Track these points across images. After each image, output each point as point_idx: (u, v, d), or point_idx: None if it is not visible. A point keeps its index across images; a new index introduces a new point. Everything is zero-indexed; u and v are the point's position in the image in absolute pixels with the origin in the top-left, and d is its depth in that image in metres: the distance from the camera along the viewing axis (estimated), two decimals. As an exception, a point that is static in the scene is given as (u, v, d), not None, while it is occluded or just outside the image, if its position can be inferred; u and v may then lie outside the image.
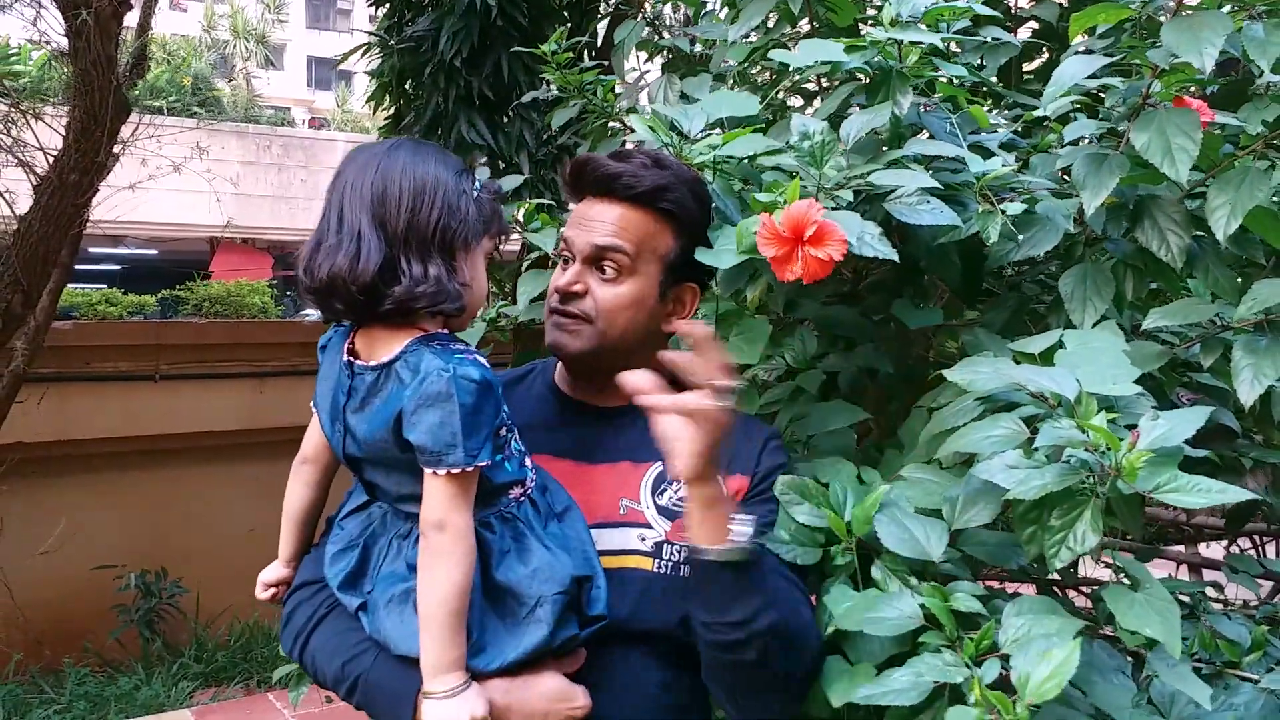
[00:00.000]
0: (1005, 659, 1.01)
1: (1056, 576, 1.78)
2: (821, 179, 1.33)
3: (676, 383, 1.10)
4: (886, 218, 1.36)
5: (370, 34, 5.01)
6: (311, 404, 1.22)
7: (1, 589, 4.89)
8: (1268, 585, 2.14)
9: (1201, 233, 1.38)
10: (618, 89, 2.27)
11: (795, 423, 1.52)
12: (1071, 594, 1.90)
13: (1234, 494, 0.94)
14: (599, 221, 1.25)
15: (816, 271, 1.20)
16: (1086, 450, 1.01)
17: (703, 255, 1.27)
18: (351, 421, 1.10)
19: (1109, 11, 1.38)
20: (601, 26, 4.70)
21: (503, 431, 1.12)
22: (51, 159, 3.78)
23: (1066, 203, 1.42)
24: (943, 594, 1.11)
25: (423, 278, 1.06)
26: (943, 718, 0.98)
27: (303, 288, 1.09)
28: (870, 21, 1.59)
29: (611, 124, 2.12)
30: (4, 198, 3.98)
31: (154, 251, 16.47)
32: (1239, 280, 1.45)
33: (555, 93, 2.16)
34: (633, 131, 1.62)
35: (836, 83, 1.66)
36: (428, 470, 1.05)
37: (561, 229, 1.50)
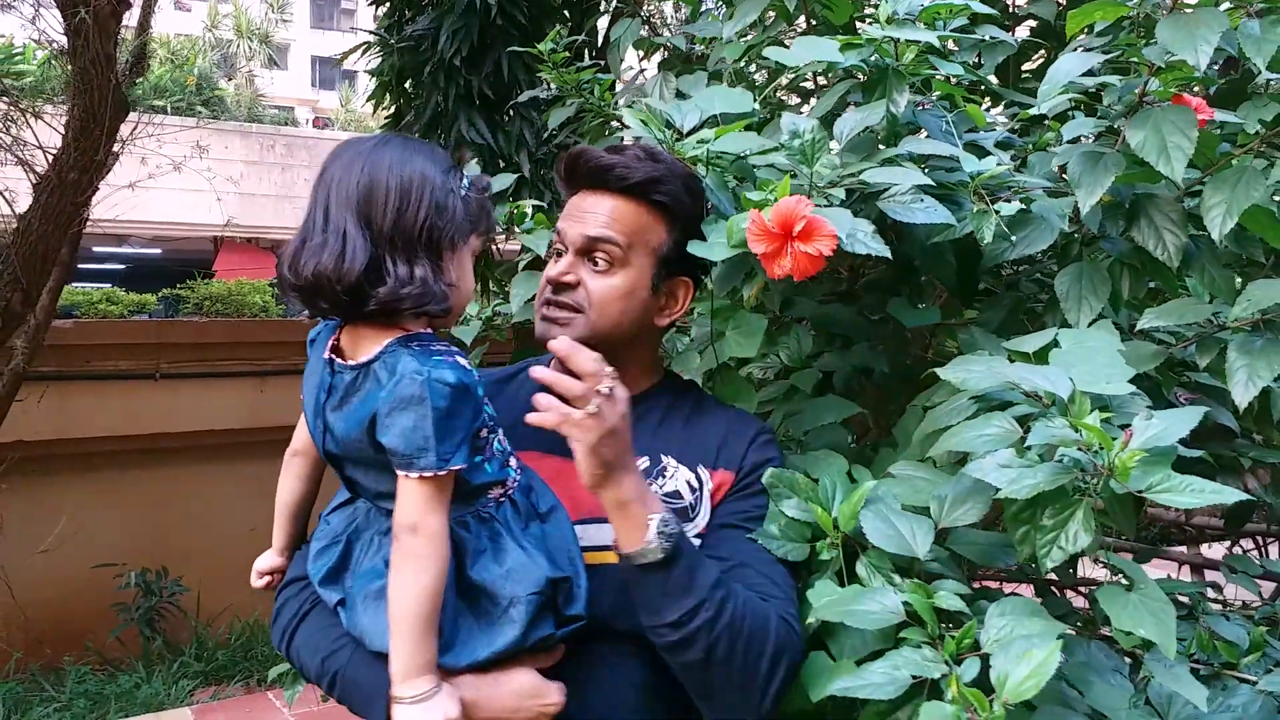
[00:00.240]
0: (987, 658, 1.01)
1: (1053, 576, 1.79)
2: (814, 177, 1.32)
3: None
4: (881, 217, 1.35)
5: (371, 33, 5.01)
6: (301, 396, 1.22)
7: (2, 587, 4.91)
8: (1270, 586, 2.13)
9: (1199, 232, 1.37)
10: (618, 87, 2.26)
11: (789, 419, 1.51)
12: (1069, 594, 1.90)
13: (1228, 494, 0.94)
14: (591, 213, 1.25)
15: (807, 268, 1.19)
16: (1079, 449, 1.01)
17: (695, 248, 1.27)
18: (331, 419, 1.10)
19: (1106, 9, 1.38)
20: (602, 25, 4.69)
21: (483, 433, 1.11)
22: (51, 158, 3.78)
23: (1062, 201, 1.41)
24: (926, 591, 1.11)
25: (408, 279, 1.05)
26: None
27: (287, 285, 1.08)
28: (869, 20, 1.58)
29: (611, 123, 2.11)
30: (4, 196, 3.98)
31: (158, 251, 16.49)
32: (1239, 279, 1.44)
33: (555, 91, 2.16)
34: (628, 128, 1.62)
35: (833, 81, 1.65)
36: (400, 473, 1.04)
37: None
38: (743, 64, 1.98)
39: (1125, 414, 1.10)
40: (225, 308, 7.61)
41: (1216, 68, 1.71)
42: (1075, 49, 1.64)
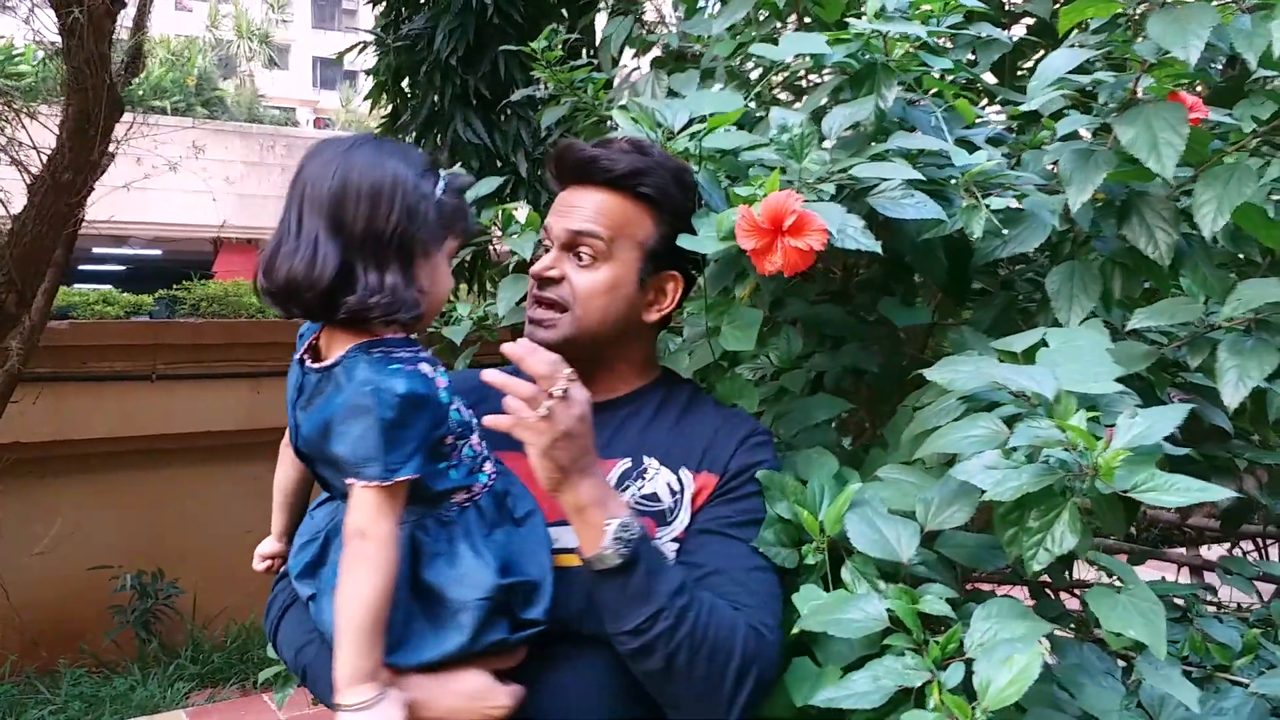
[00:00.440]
0: (971, 662, 0.99)
1: (1047, 579, 1.77)
2: (803, 172, 1.31)
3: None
4: (872, 214, 1.34)
5: (367, 33, 5.00)
6: None
7: (-3, 589, 4.89)
8: (1268, 589, 2.12)
9: (1192, 230, 1.36)
10: (616, 83, 2.25)
11: (779, 420, 1.50)
12: (1064, 596, 1.88)
13: (1213, 492, 0.92)
14: (576, 207, 1.24)
15: (797, 263, 1.18)
16: (1065, 450, 0.99)
17: (685, 241, 1.25)
18: (300, 418, 1.11)
19: (1099, 6, 1.36)
20: (600, 23, 4.67)
21: (448, 440, 1.10)
22: (46, 158, 3.77)
23: (1054, 199, 1.40)
24: (911, 596, 1.10)
25: (378, 287, 1.04)
26: (903, 722, 0.96)
27: (261, 289, 1.08)
28: (860, 16, 1.57)
29: (606, 122, 2.10)
30: (-1, 197, 3.97)
31: (158, 252, 16.49)
32: (1234, 278, 1.42)
33: (552, 90, 2.15)
34: (618, 127, 1.61)
35: (825, 77, 1.64)
36: (350, 480, 1.04)
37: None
38: (736, 62, 1.98)
39: (1113, 414, 1.08)
40: (222, 308, 7.60)
41: (1219, 67, 1.70)
42: (1072, 45, 1.62)
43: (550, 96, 2.19)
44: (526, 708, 1.13)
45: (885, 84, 1.43)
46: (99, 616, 5.40)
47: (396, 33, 4.66)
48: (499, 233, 1.85)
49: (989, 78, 2.08)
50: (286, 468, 1.31)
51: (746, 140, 1.40)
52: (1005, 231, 1.32)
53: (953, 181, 1.39)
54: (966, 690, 0.97)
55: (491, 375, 1.08)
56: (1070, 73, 1.41)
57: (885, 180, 1.34)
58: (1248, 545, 2.81)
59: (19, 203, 3.85)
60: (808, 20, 1.86)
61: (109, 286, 10.60)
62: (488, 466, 1.16)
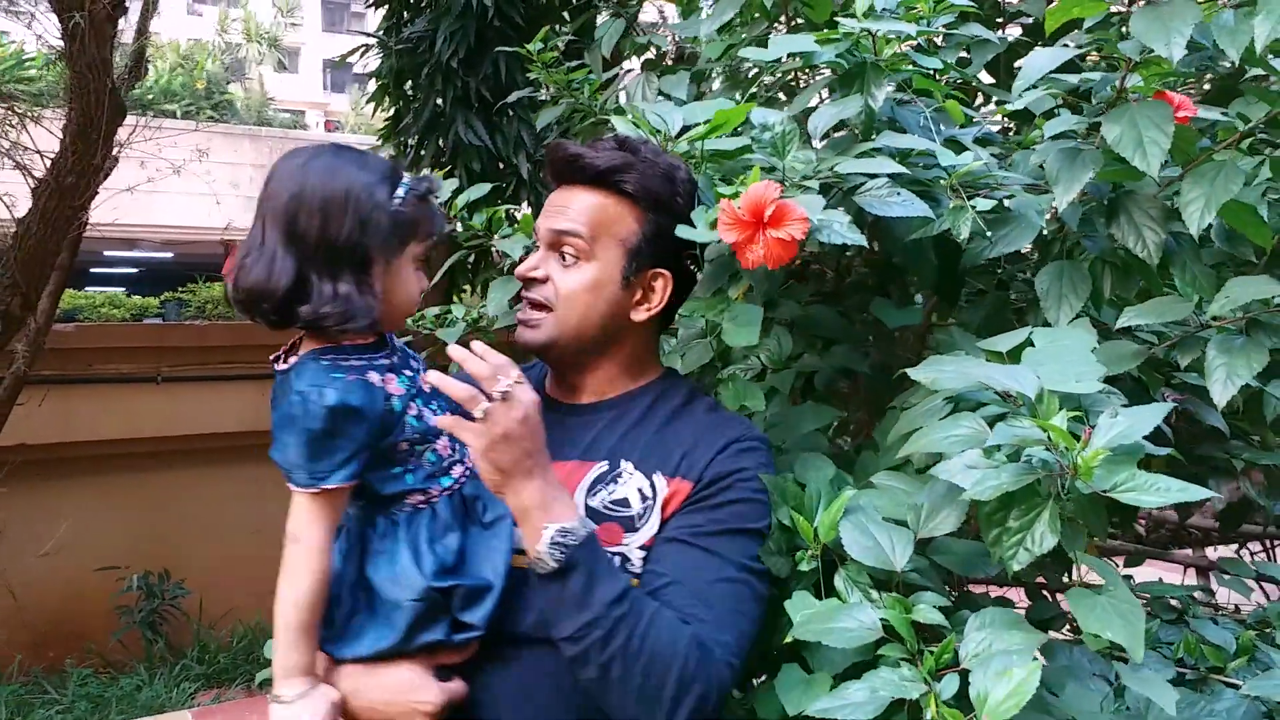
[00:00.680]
0: (967, 673, 0.98)
1: (1042, 580, 1.76)
2: (786, 170, 1.30)
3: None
4: (860, 214, 1.33)
5: (369, 35, 5.02)
6: None
7: (4, 590, 4.93)
8: (1272, 591, 2.10)
9: (1182, 229, 1.35)
10: (622, 83, 2.25)
11: (769, 429, 1.49)
12: (1060, 598, 1.87)
13: (1193, 492, 0.91)
14: (560, 207, 1.24)
15: (780, 255, 1.17)
16: (1046, 449, 0.99)
17: (683, 231, 1.23)
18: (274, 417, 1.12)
19: (1085, 5, 1.35)
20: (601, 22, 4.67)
21: (403, 446, 1.12)
22: (49, 162, 3.79)
23: (1042, 198, 1.39)
24: (904, 605, 1.09)
25: (331, 296, 1.06)
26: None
27: (230, 297, 1.11)
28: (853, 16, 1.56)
29: (606, 124, 2.10)
30: (3, 201, 4.00)
31: (169, 255, 16.55)
32: (1225, 277, 1.41)
33: (553, 91, 2.15)
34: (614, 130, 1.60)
35: (815, 77, 1.64)
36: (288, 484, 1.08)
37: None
38: (733, 64, 1.97)
39: (1099, 414, 1.08)
40: (228, 311, 7.63)
41: (1228, 66, 1.69)
42: (1065, 45, 1.62)
43: (552, 98, 2.20)
44: (484, 707, 1.14)
45: (875, 83, 1.42)
46: (105, 617, 5.43)
47: (398, 35, 4.67)
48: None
49: (986, 78, 2.07)
50: None
51: (743, 142, 1.39)
52: (989, 233, 1.31)
53: (941, 182, 1.39)
54: (962, 701, 0.96)
55: (432, 376, 1.08)
56: (1062, 72, 1.40)
57: (872, 179, 1.33)
58: (1255, 547, 2.80)
59: (24, 206, 3.88)
60: (799, 21, 1.86)
61: (121, 290, 10.65)
62: (456, 470, 1.17)
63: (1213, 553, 2.98)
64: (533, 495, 1.05)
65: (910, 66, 1.48)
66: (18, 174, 3.94)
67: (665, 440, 1.22)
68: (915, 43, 1.54)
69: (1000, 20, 2.15)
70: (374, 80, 5.06)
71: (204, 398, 5.72)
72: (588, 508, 1.18)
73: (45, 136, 4.00)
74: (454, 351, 1.07)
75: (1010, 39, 2.06)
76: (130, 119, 4.01)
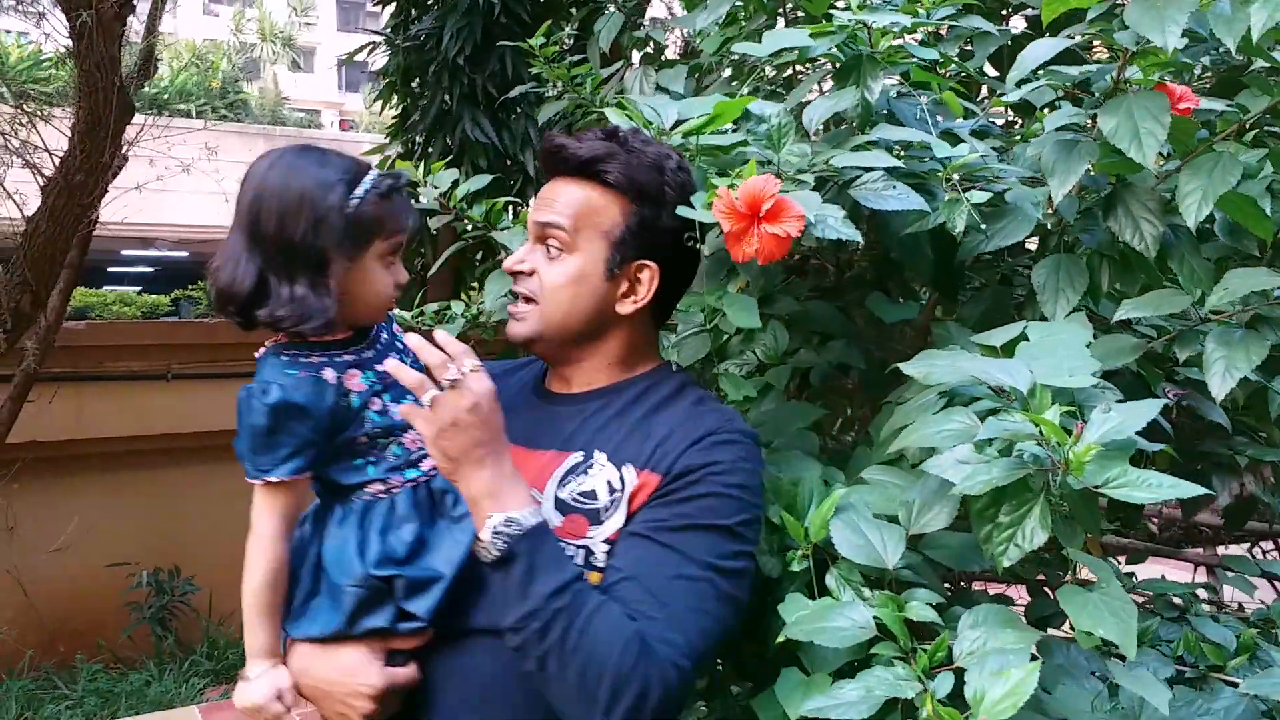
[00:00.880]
0: (961, 672, 0.97)
1: (1043, 576, 1.75)
2: (781, 163, 1.29)
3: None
4: (856, 209, 1.32)
5: (376, 33, 5.02)
6: None
7: (16, 586, 4.96)
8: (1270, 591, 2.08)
9: (1180, 222, 1.33)
10: (626, 78, 2.25)
11: (757, 428, 1.48)
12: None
13: (1185, 489, 0.90)
14: (547, 199, 1.23)
15: (773, 251, 1.16)
16: (1038, 444, 0.97)
17: (683, 210, 1.22)
18: None
19: (1081, -5, 1.34)
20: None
21: (362, 440, 1.15)
22: (58, 160, 3.82)
23: (1038, 191, 1.38)
24: (897, 603, 1.08)
25: (287, 299, 1.09)
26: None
27: (209, 296, 1.17)
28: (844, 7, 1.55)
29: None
30: (14, 200, 4.02)
31: (185, 254, 16.63)
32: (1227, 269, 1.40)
33: (559, 88, 2.15)
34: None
35: (813, 70, 1.62)
36: None
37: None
38: (735, 57, 1.96)
39: (1093, 408, 1.06)
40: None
41: (1239, 60, 1.67)
42: (1068, 36, 1.60)
43: (556, 94, 2.20)
44: (446, 697, 1.15)
45: (870, 76, 1.41)
46: (116, 613, 5.46)
47: (405, 33, 4.68)
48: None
49: (990, 70, 2.05)
50: None
51: (737, 138, 1.38)
52: (984, 226, 1.29)
53: (937, 175, 1.37)
54: (957, 699, 0.94)
55: (388, 364, 1.09)
56: (1065, 64, 1.39)
57: (867, 172, 1.32)
58: (1269, 545, 2.77)
59: (33, 205, 3.90)
60: (800, 14, 1.85)
61: (136, 288, 10.71)
62: (426, 463, 1.18)
63: (1225, 551, 2.96)
64: (482, 484, 1.05)
65: (906, 59, 1.47)
66: (28, 172, 3.96)
67: (643, 432, 1.19)
68: (916, 35, 1.53)
69: (1005, 12, 2.13)
70: (380, 78, 5.07)
71: (214, 395, 5.72)
72: (557, 499, 1.16)
73: (54, 135, 4.02)
74: (410, 339, 1.08)
75: (1015, 30, 2.04)
76: (139, 117, 4.03)
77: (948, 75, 1.78)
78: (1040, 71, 1.36)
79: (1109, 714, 1.15)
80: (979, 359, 1.13)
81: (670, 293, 1.29)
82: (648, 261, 1.23)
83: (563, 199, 1.21)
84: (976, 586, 1.76)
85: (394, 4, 4.95)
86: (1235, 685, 1.33)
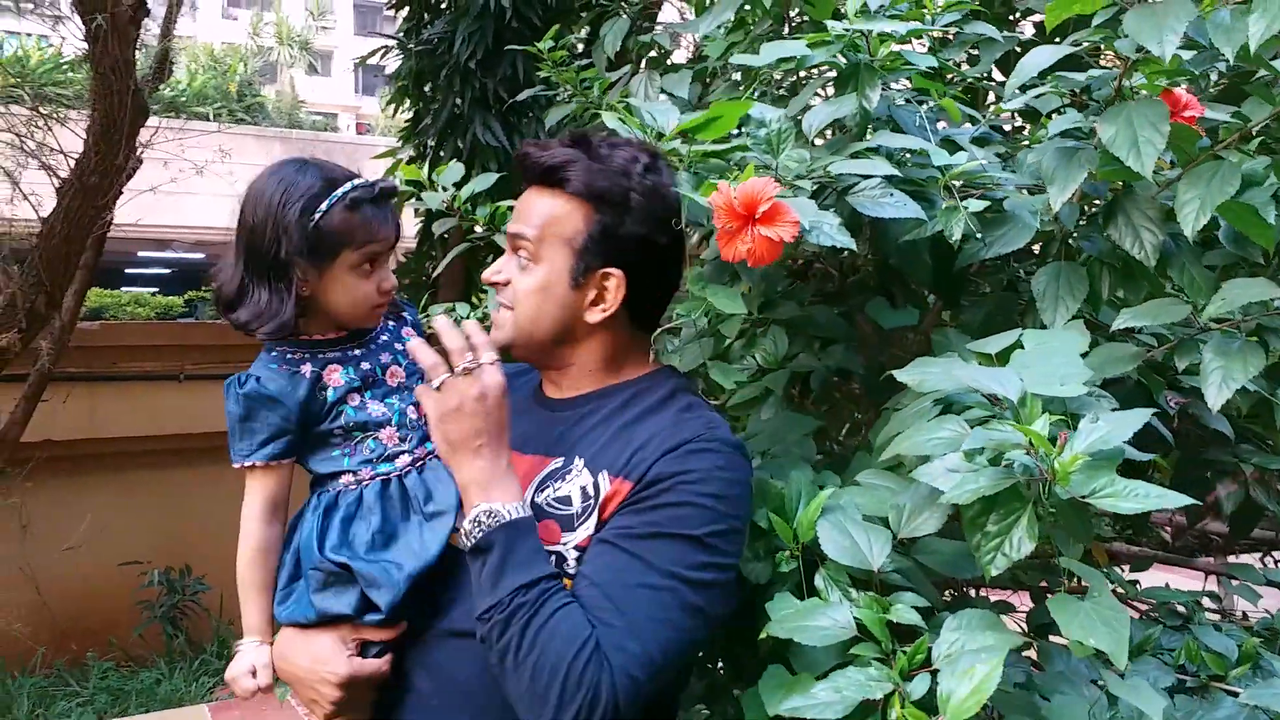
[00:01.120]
0: (937, 674, 0.98)
1: (1045, 584, 1.74)
2: (780, 169, 1.29)
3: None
4: (854, 216, 1.32)
5: (388, 37, 5.05)
6: None
7: (29, 584, 5.00)
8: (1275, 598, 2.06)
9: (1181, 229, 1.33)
10: (631, 83, 2.26)
11: (752, 439, 1.48)
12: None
13: (1172, 499, 0.90)
14: (518, 209, 1.24)
15: (765, 253, 1.15)
16: (1026, 454, 0.97)
17: (682, 190, 1.22)
18: None
19: (1084, 1, 1.33)
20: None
21: (338, 433, 1.21)
22: (73, 162, 3.85)
23: (1037, 199, 1.38)
24: (881, 605, 1.08)
25: (255, 305, 1.16)
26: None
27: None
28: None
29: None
30: (29, 201, 4.07)
31: (201, 256, 16.74)
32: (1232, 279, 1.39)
33: (569, 91, 2.16)
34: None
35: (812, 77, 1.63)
36: None
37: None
38: (739, 62, 1.96)
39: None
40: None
41: (1252, 71, 1.66)
42: (1073, 43, 1.60)
43: (565, 97, 2.20)
44: (419, 694, 1.17)
45: (869, 83, 1.41)
46: (127, 611, 5.50)
47: (418, 37, 4.70)
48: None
49: (1000, 76, 2.05)
50: None
51: (735, 144, 1.38)
52: (980, 234, 1.29)
53: (936, 182, 1.37)
54: (932, 702, 0.95)
55: (412, 343, 1.16)
56: (1070, 70, 1.38)
57: (866, 179, 1.32)
58: (1279, 554, 2.74)
59: (49, 206, 3.94)
60: (805, 20, 1.85)
61: (153, 289, 10.80)
62: (402, 460, 1.22)
63: (1235, 560, 2.93)
64: (475, 473, 1.09)
65: (906, 66, 1.47)
66: (43, 174, 4.00)
67: (625, 438, 1.17)
68: (921, 41, 1.53)
69: (1012, 18, 2.13)
70: (395, 82, 5.09)
71: (226, 396, 5.78)
72: (533, 504, 1.15)
73: (70, 137, 4.06)
74: (437, 322, 1.11)
75: (1023, 36, 2.04)
76: (153, 120, 4.07)
77: (953, 81, 1.77)
78: (1045, 77, 1.36)
79: (1106, 722, 1.15)
80: (972, 367, 1.13)
81: (645, 298, 1.25)
82: (613, 270, 1.19)
83: (530, 209, 1.21)
84: (981, 593, 1.76)
85: (407, 8, 4.97)
86: (1236, 695, 1.33)
